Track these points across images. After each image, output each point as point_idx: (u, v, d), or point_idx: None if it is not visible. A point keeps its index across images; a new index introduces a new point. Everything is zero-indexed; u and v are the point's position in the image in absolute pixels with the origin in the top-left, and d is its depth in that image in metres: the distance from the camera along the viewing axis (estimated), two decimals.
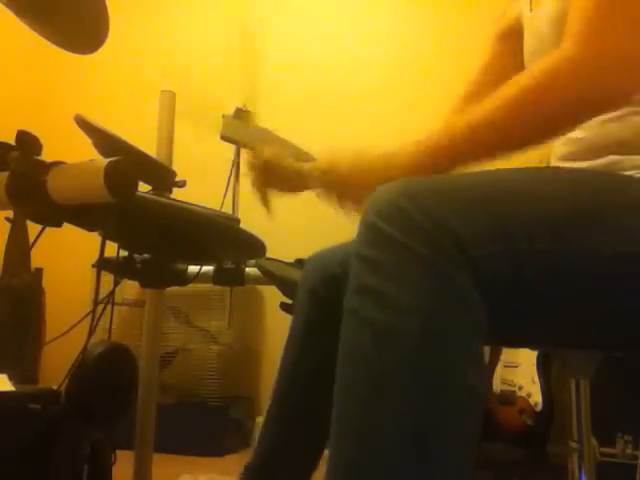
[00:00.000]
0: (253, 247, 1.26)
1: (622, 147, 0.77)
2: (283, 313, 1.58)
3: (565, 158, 0.86)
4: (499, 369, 2.08)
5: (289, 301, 1.58)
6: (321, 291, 0.94)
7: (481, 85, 1.09)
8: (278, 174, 1.10)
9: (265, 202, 1.12)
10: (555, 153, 0.90)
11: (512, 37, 1.04)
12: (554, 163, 0.89)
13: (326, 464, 0.56)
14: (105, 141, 1.12)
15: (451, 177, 0.63)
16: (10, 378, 1.02)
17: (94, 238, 1.17)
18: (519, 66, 1.02)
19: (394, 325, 0.54)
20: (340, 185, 0.78)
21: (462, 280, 0.55)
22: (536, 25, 0.91)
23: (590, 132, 0.81)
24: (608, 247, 0.60)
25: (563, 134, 0.74)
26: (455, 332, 0.54)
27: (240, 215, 1.84)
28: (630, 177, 0.73)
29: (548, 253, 0.58)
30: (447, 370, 0.54)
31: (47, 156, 0.98)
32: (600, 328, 0.65)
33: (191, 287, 1.72)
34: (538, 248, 0.58)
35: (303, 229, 2.67)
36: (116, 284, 1.27)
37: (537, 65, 0.68)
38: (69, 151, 1.31)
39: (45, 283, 2.33)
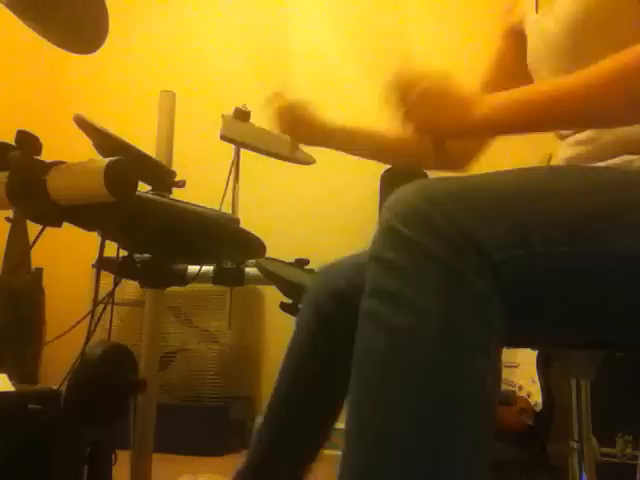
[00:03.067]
0: (253, 247, 1.26)
1: (637, 146, 0.77)
2: (283, 313, 1.58)
3: (578, 158, 0.85)
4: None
5: (289, 301, 1.58)
6: (325, 307, 0.95)
7: (491, 82, 1.08)
8: (303, 122, 1.08)
9: (294, 144, 1.10)
10: (564, 154, 0.89)
11: (517, 36, 1.03)
12: (561, 164, 0.89)
13: (339, 465, 0.55)
14: (105, 141, 1.12)
15: (469, 179, 0.63)
16: (10, 378, 1.02)
17: (94, 238, 1.17)
18: (522, 66, 1.02)
19: (412, 328, 0.53)
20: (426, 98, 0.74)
21: (481, 284, 0.55)
22: (543, 27, 0.91)
23: (604, 131, 0.81)
24: (623, 247, 0.59)
25: None
26: (473, 336, 0.54)
27: (240, 215, 1.84)
28: None
29: (565, 255, 0.58)
30: (464, 373, 0.53)
31: (47, 156, 0.97)
32: (612, 328, 0.65)
33: (191, 287, 1.71)
34: (555, 250, 0.58)
35: (303, 229, 2.67)
36: (116, 284, 1.27)
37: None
38: (69, 151, 1.31)
39: (45, 283, 2.33)
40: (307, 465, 0.96)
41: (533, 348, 1.81)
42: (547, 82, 0.74)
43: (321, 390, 0.95)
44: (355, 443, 0.55)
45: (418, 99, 0.74)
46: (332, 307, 0.94)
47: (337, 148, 1.13)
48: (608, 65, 0.67)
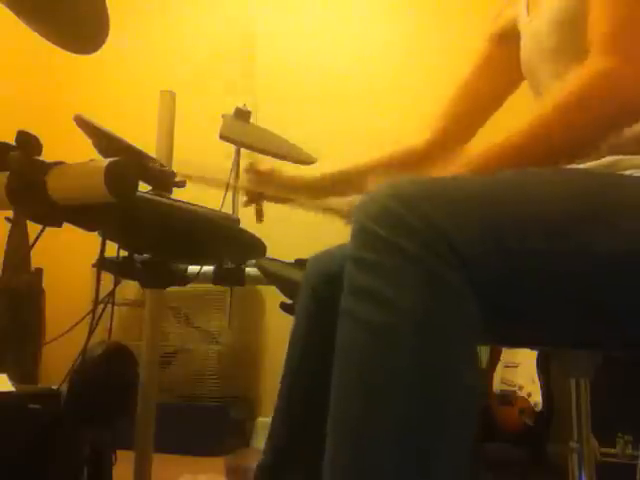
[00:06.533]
0: (253, 247, 1.26)
1: (622, 147, 0.77)
2: (283, 313, 1.58)
3: None
4: (499, 369, 2.08)
5: (289, 301, 1.58)
6: (321, 290, 0.95)
7: (473, 87, 1.09)
8: (273, 184, 1.14)
9: (259, 213, 1.16)
10: None
11: (506, 40, 1.04)
12: None
13: (324, 460, 0.56)
14: (105, 141, 1.12)
15: (442, 179, 0.64)
16: (10, 378, 1.02)
17: (94, 238, 1.17)
18: (512, 70, 1.02)
19: (389, 325, 0.54)
20: None
21: (455, 280, 0.55)
22: (534, 29, 0.91)
23: None
24: (602, 246, 0.60)
25: (589, 151, 0.76)
26: (449, 332, 0.54)
27: (240, 215, 1.84)
28: (624, 175, 0.73)
29: (541, 253, 0.59)
30: (443, 369, 0.54)
31: (47, 156, 0.97)
32: (596, 328, 0.65)
33: (191, 287, 1.71)
34: (530, 248, 0.58)
35: (303, 229, 2.67)
36: (116, 284, 1.27)
37: (570, 81, 0.71)
38: (69, 151, 1.31)
39: (45, 283, 2.33)
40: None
41: (532, 348, 1.80)
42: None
43: (325, 377, 0.94)
44: (335, 442, 0.56)
45: None
46: (328, 290, 0.94)
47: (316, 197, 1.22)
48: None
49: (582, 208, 0.62)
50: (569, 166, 0.85)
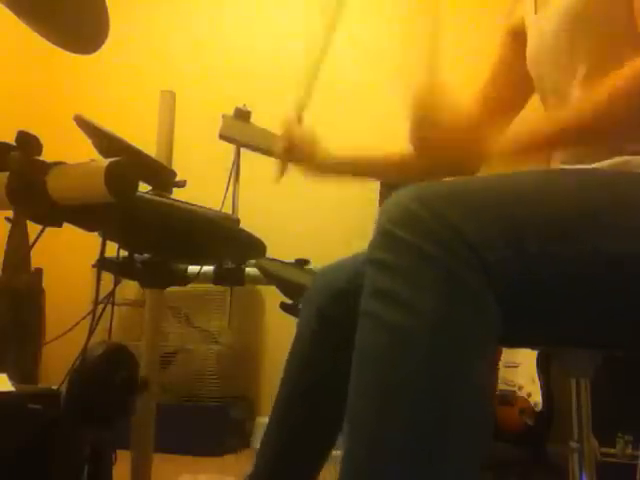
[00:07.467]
0: (253, 247, 1.26)
1: (633, 146, 0.77)
2: (283, 313, 1.58)
3: (574, 159, 0.85)
4: (499, 369, 2.08)
5: (289, 301, 1.58)
6: (328, 309, 0.94)
7: (496, 82, 1.08)
8: (308, 152, 1.13)
9: (281, 173, 1.14)
10: (561, 155, 0.89)
11: (518, 39, 1.03)
12: (557, 164, 0.89)
13: (340, 466, 0.56)
14: (105, 141, 1.12)
15: (462, 181, 0.64)
16: (10, 378, 1.02)
17: (94, 238, 1.17)
18: (525, 67, 1.02)
19: (408, 326, 0.54)
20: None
21: (476, 283, 0.55)
22: (541, 26, 0.91)
23: None
24: (614, 248, 0.60)
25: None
26: (469, 334, 0.55)
27: (240, 215, 1.84)
28: (637, 174, 0.73)
29: (558, 255, 0.59)
30: (460, 372, 0.54)
31: (47, 156, 0.97)
32: (604, 328, 0.66)
33: (191, 287, 1.71)
34: (549, 251, 0.59)
35: (303, 229, 2.67)
36: (116, 284, 1.27)
37: (626, 69, 0.69)
38: (69, 151, 1.31)
39: (45, 283, 2.33)
40: (317, 467, 0.96)
41: (533, 348, 1.81)
42: (549, 119, 0.76)
43: (325, 392, 0.95)
44: (351, 443, 0.55)
45: (432, 133, 0.78)
46: (334, 308, 0.94)
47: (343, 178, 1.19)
48: (600, 93, 0.70)
49: (597, 210, 0.62)
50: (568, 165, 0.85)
